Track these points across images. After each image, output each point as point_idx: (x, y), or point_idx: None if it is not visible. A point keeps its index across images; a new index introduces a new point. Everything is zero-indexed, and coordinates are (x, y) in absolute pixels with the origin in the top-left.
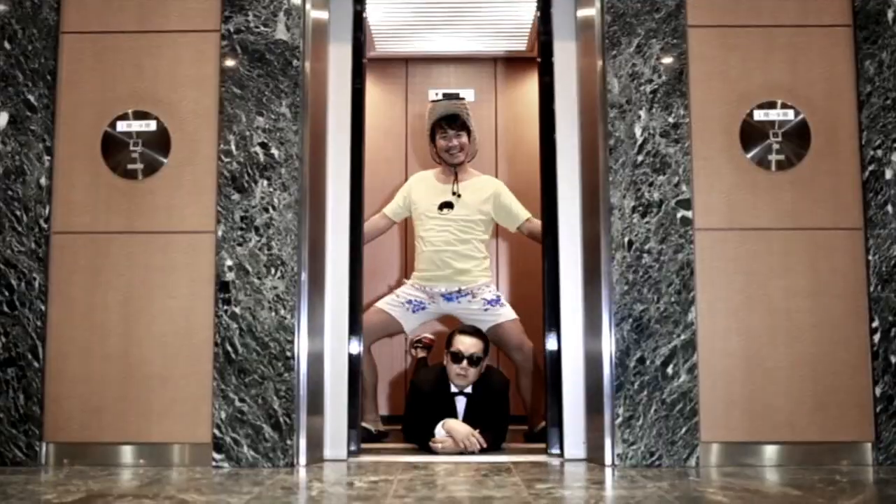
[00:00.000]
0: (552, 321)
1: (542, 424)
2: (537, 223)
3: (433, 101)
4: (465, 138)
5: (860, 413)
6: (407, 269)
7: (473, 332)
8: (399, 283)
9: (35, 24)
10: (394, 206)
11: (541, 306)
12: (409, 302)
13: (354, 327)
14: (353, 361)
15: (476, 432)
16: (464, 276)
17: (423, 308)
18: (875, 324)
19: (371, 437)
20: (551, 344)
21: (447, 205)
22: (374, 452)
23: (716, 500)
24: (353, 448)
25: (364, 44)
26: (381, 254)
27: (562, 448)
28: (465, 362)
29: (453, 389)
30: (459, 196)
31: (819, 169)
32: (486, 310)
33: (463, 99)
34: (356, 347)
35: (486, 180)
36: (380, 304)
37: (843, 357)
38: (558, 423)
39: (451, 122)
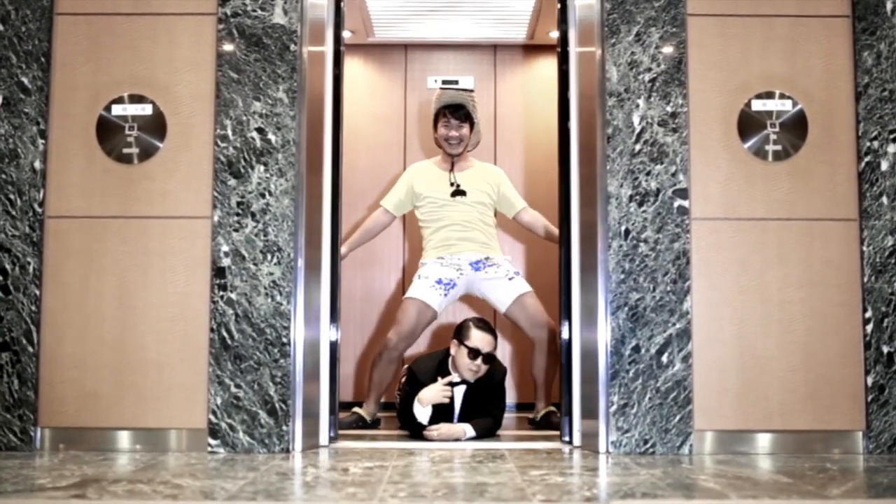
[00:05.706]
0: (567, 311)
1: (545, 410)
2: (533, 213)
3: (442, 88)
4: (466, 130)
5: (852, 402)
6: (410, 258)
7: (487, 327)
8: (404, 272)
9: (28, 6)
10: (395, 200)
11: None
12: (439, 282)
13: (334, 314)
14: (333, 349)
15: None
16: (487, 248)
17: (453, 286)
18: (868, 314)
19: (365, 425)
20: (564, 333)
21: (460, 192)
22: (370, 439)
23: (708, 487)
24: (331, 434)
25: (341, 32)
26: (382, 243)
27: (571, 435)
28: (480, 359)
29: (455, 379)
30: (457, 185)
31: (815, 160)
32: (510, 279)
33: (472, 91)
34: (335, 334)
35: (488, 167)
36: (411, 294)
37: (836, 347)
38: (570, 410)
39: (455, 111)
